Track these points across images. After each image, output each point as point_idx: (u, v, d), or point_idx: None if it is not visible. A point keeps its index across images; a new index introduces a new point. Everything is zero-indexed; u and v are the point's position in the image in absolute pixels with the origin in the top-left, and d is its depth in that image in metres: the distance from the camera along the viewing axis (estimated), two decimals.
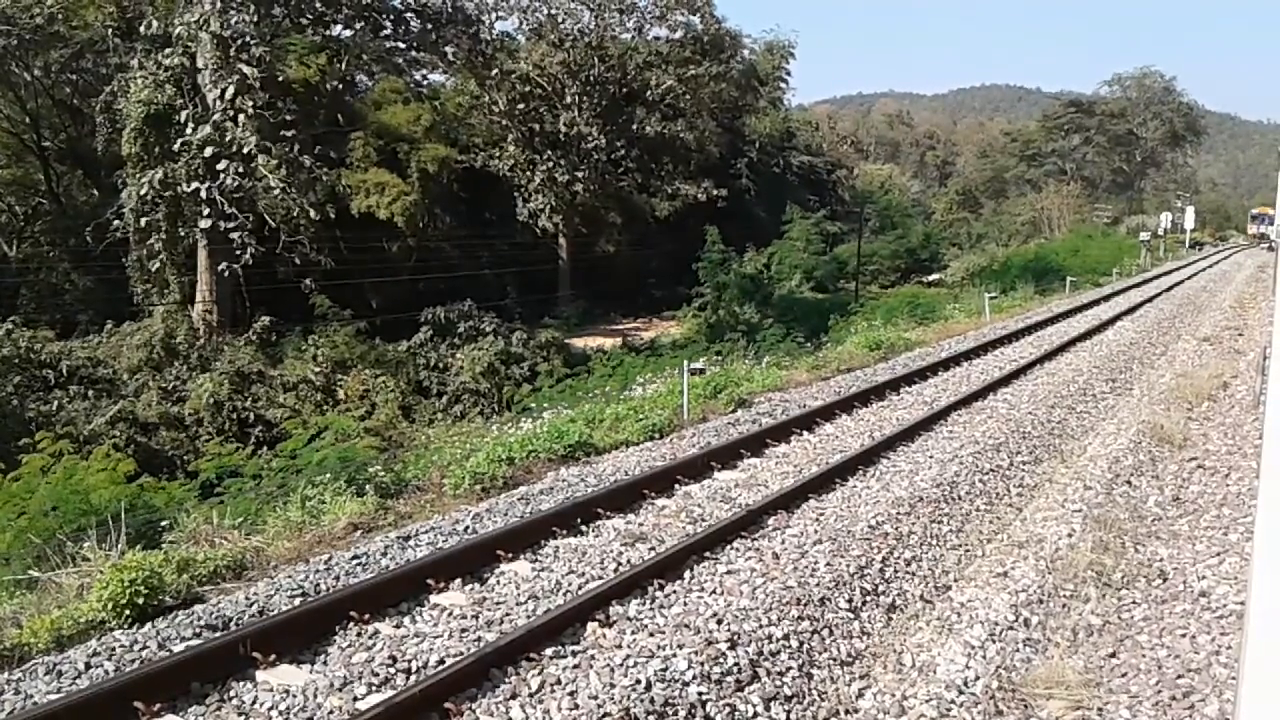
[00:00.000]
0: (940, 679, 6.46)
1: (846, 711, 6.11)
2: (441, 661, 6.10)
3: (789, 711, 5.98)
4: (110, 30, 33.15)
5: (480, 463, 10.66)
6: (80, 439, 19.23)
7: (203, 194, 26.89)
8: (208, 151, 26.60)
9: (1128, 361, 19.24)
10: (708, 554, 8.07)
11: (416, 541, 8.27)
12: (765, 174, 59.67)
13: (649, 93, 47.54)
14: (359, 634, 6.45)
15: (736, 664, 6.26)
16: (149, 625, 6.54)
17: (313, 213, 28.00)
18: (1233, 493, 10.15)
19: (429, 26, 34.59)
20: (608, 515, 8.90)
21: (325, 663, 6.12)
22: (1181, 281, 39.53)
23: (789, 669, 6.39)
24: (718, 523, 8.65)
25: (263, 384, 25.29)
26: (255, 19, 27.82)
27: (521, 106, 43.81)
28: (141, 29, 28.70)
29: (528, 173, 44.12)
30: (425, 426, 23.72)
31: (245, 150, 26.46)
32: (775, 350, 23.98)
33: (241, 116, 26.58)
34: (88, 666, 5.94)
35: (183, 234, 28.61)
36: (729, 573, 7.72)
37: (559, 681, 5.90)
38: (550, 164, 43.70)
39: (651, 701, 5.73)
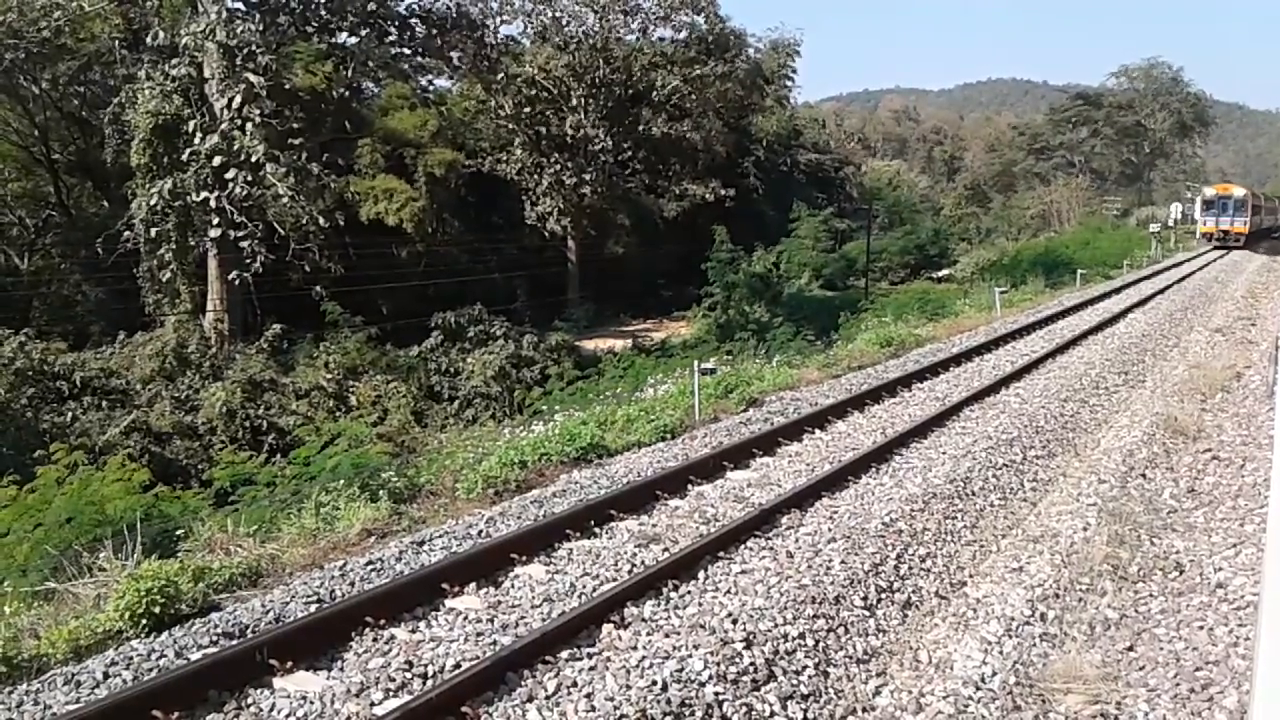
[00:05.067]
0: (957, 675, 6.45)
1: (863, 709, 6.11)
2: (458, 665, 6.11)
3: (806, 710, 5.97)
4: (117, 42, 33.37)
5: (493, 466, 10.68)
6: (95, 450, 19.28)
7: (212, 203, 27.05)
8: (216, 161, 26.74)
9: (1140, 354, 19.14)
10: (722, 554, 8.06)
11: (431, 546, 8.28)
12: (772, 173, 59.59)
13: (655, 93, 47.53)
14: (375, 639, 6.46)
15: (752, 663, 6.25)
16: (166, 634, 6.56)
17: (322, 220, 28.13)
18: (1248, 483, 10.10)
19: (434, 32, 34.74)
20: (621, 517, 8.90)
21: (342, 669, 6.14)
22: (1193, 273, 39.28)
23: (805, 667, 6.38)
24: (731, 522, 8.64)
25: (275, 392, 25.35)
26: (261, 28, 27.98)
27: (528, 110, 43.91)
28: (148, 40, 28.92)
29: (535, 176, 44.19)
30: (437, 431, 23.72)
31: (253, 159, 26.60)
32: (786, 349, 23.98)
33: (249, 125, 26.72)
34: (106, 676, 5.96)
35: (193, 243, 28.77)
36: (743, 572, 7.72)
37: (575, 684, 5.91)
38: (558, 167, 43.76)
39: (668, 702, 5.73)
